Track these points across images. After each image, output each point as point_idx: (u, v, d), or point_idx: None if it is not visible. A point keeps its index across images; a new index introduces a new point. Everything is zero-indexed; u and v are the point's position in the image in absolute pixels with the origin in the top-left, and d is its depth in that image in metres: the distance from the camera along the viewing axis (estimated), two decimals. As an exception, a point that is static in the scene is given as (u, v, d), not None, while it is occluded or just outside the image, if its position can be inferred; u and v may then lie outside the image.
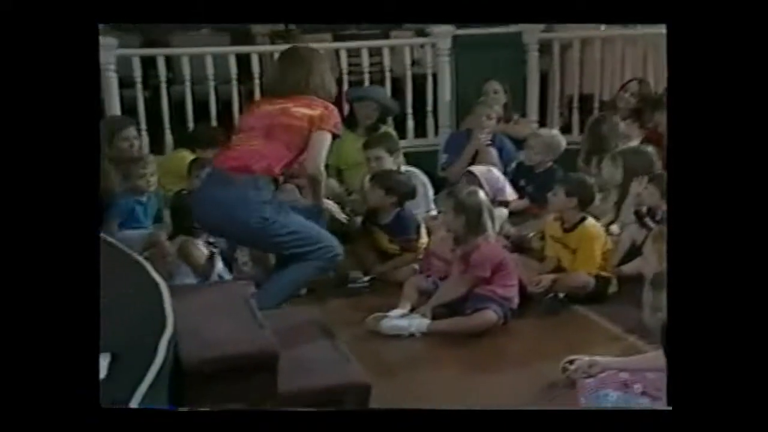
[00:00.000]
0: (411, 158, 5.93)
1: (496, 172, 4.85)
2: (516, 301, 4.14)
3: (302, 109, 4.02)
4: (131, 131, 5.01)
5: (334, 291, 4.56)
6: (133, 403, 2.33)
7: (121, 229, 4.66)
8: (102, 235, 3.85)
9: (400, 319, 3.99)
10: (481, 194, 4.09)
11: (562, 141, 5.46)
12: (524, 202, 5.21)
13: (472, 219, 4.01)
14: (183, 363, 2.90)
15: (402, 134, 6.22)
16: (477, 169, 4.83)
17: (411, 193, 4.81)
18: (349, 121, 5.85)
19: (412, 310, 4.12)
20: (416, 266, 4.60)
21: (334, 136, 4.09)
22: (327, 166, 5.71)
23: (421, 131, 6.35)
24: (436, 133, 6.34)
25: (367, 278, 4.65)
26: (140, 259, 3.64)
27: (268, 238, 3.98)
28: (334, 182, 5.56)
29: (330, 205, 4.38)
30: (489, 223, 4.05)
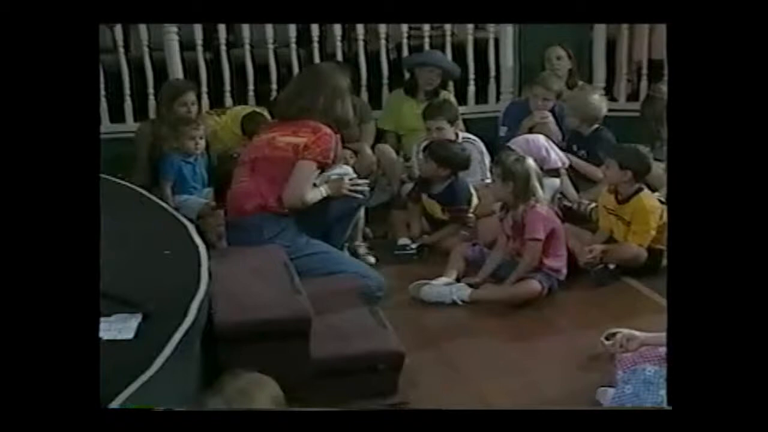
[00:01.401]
0: (471, 125, 5.90)
1: (540, 140, 4.75)
2: (564, 272, 4.11)
3: (288, 138, 3.93)
4: (190, 96, 5.05)
5: (382, 257, 4.58)
6: (158, 363, 2.41)
7: (175, 194, 4.76)
8: (149, 195, 3.99)
9: (442, 287, 3.99)
10: (529, 161, 4.04)
11: (598, 102, 5.23)
12: (595, 170, 5.00)
13: (520, 185, 3.99)
14: (216, 325, 2.97)
15: (463, 100, 6.16)
16: (515, 141, 4.77)
17: (465, 164, 4.78)
18: (410, 87, 5.87)
19: (459, 279, 4.13)
20: (466, 234, 4.58)
21: (321, 165, 3.95)
22: (385, 132, 5.85)
23: (482, 97, 6.27)
24: (498, 99, 6.25)
25: (415, 245, 4.66)
26: (185, 221, 3.72)
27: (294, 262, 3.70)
28: (390, 149, 5.57)
29: (339, 183, 4.11)
30: (539, 189, 4.01)
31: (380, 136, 5.89)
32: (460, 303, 3.97)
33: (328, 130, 3.93)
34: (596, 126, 5.19)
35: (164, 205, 3.99)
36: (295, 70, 5.90)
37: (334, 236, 4.09)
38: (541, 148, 4.66)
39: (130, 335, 2.55)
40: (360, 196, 4.14)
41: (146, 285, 2.90)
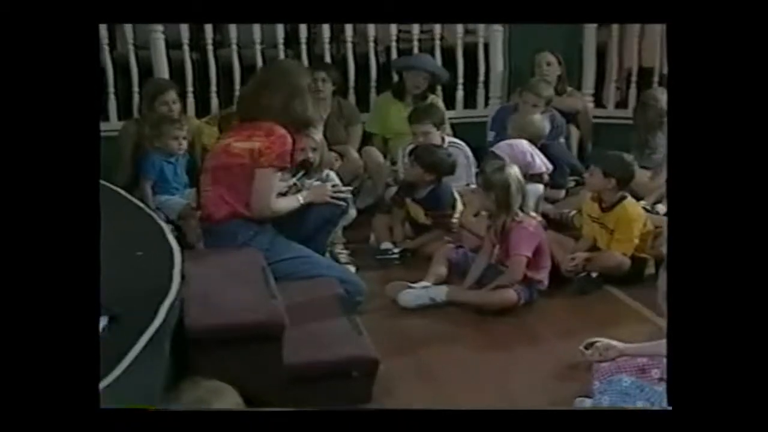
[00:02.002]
0: (460, 129, 5.88)
1: (524, 145, 4.71)
2: (546, 282, 4.08)
3: (242, 143, 3.82)
4: (171, 95, 5.03)
5: (364, 262, 4.55)
6: (122, 366, 2.38)
7: (156, 194, 4.73)
8: (125, 195, 3.95)
9: (419, 290, 3.96)
10: (509, 170, 4.00)
11: (539, 122, 5.24)
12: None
13: (500, 196, 3.95)
14: (187, 328, 2.94)
15: (451, 105, 6.15)
16: (499, 147, 4.73)
17: (451, 170, 4.75)
18: (397, 90, 5.84)
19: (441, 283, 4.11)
20: (449, 240, 4.55)
21: (280, 169, 3.85)
22: (372, 135, 5.81)
23: (471, 102, 6.26)
24: (486, 104, 6.24)
25: (398, 250, 4.63)
26: (160, 221, 3.69)
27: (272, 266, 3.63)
28: (376, 152, 5.54)
29: (322, 190, 4.14)
30: (518, 201, 3.97)
31: (367, 140, 5.88)
32: (438, 301, 3.94)
33: (282, 132, 3.83)
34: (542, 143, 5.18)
35: (141, 205, 3.96)
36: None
37: (316, 241, 4.05)
38: (525, 153, 4.62)
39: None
40: (342, 203, 4.11)
41: (115, 286, 2.84)
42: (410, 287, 4.01)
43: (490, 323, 3.87)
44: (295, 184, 4.18)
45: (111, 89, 5.64)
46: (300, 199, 3.97)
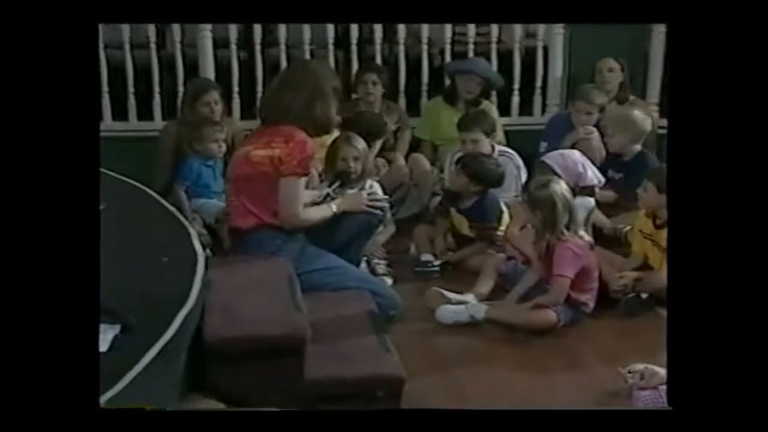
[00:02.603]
0: (514, 137, 5.82)
1: (576, 156, 4.60)
2: (591, 305, 3.99)
3: (262, 151, 3.78)
4: (213, 95, 5.04)
5: (402, 274, 4.52)
6: (126, 380, 2.38)
7: (194, 198, 4.77)
8: (157, 197, 3.98)
9: (457, 307, 3.91)
10: (554, 186, 3.91)
11: (642, 121, 5.03)
12: (611, 194, 4.95)
13: (545, 214, 3.87)
14: (204, 340, 2.93)
15: (506, 111, 6.09)
16: (550, 156, 4.62)
17: (498, 181, 4.68)
18: (449, 95, 5.79)
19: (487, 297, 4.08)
20: (493, 253, 4.49)
21: (303, 175, 3.80)
22: (421, 141, 5.77)
23: (527, 109, 6.17)
24: (544, 111, 6.15)
25: (438, 262, 4.57)
26: (188, 225, 3.69)
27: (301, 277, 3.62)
28: (423, 159, 5.50)
29: (357, 198, 4.10)
30: (564, 219, 3.88)
31: (417, 146, 5.84)
32: (478, 318, 3.88)
33: (302, 137, 3.77)
34: (640, 150, 5.02)
35: (171, 209, 3.97)
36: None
37: (350, 251, 4.03)
38: (577, 163, 4.51)
39: (103, 348, 2.51)
40: (378, 212, 4.07)
41: (133, 294, 2.87)
42: (447, 297, 3.97)
43: (529, 343, 3.79)
44: (329, 194, 4.16)
45: (156, 89, 5.70)
46: (333, 207, 3.94)
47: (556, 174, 4.36)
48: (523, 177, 5.06)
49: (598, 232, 4.76)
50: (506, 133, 5.87)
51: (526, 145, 5.55)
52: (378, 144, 5.25)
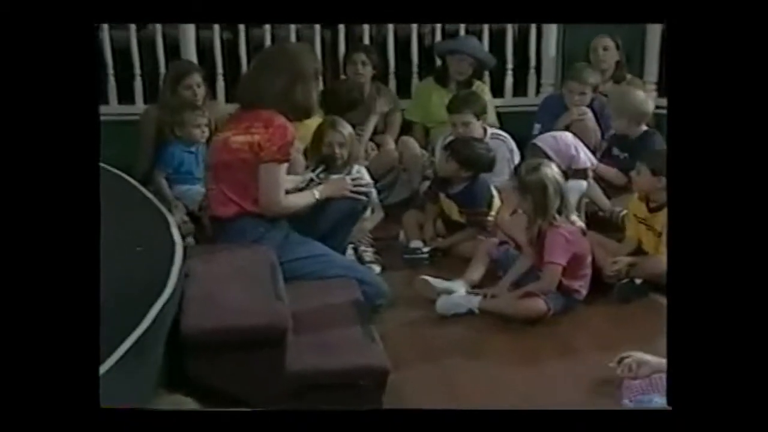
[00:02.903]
0: (508, 119, 5.81)
1: (568, 138, 4.57)
2: (584, 292, 3.99)
3: (241, 137, 3.75)
4: (195, 78, 5.02)
5: (391, 261, 4.52)
6: (103, 369, 2.37)
7: (176, 184, 4.76)
8: (135, 184, 3.96)
9: (458, 297, 3.93)
10: (545, 169, 3.89)
11: (642, 99, 4.99)
12: (617, 174, 4.90)
13: (536, 199, 3.85)
14: (181, 332, 2.92)
15: (500, 92, 6.08)
16: (541, 139, 4.60)
17: (488, 166, 4.66)
18: (440, 75, 5.77)
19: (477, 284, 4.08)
20: (483, 239, 4.48)
21: (283, 161, 3.76)
22: (413, 124, 5.75)
23: (521, 89, 6.16)
24: (538, 92, 6.14)
25: (427, 249, 4.57)
26: (166, 213, 3.68)
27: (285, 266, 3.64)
28: (413, 142, 5.48)
29: (340, 183, 4.08)
30: (556, 203, 3.87)
31: (408, 128, 5.83)
32: (475, 312, 3.90)
33: (282, 122, 3.74)
34: (646, 128, 4.98)
35: (149, 196, 3.95)
36: (318, 49, 5.85)
37: (335, 238, 4.01)
38: (569, 146, 4.50)
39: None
40: (363, 197, 4.05)
41: (106, 285, 2.84)
42: (433, 285, 3.97)
43: (520, 332, 3.79)
44: (312, 179, 4.14)
45: (137, 71, 5.66)
46: (316, 194, 3.91)
47: (547, 157, 4.36)
48: (516, 160, 5.03)
49: (594, 215, 4.77)
50: (499, 114, 5.87)
51: (521, 127, 5.52)
52: (370, 125, 5.24)
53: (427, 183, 5.08)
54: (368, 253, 4.45)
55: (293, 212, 3.86)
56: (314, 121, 4.44)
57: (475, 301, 3.90)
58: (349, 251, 4.37)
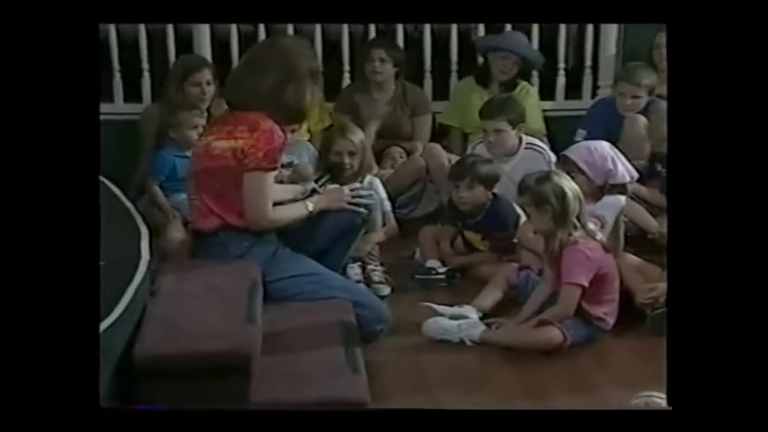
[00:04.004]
0: (559, 125, 5.79)
1: (605, 149, 4.47)
2: (611, 321, 3.94)
3: (224, 142, 3.77)
4: (205, 74, 5.10)
5: (405, 282, 4.54)
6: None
7: (173, 192, 4.82)
8: (114, 190, 4.04)
9: (449, 322, 3.91)
10: (556, 177, 3.88)
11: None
12: (652, 193, 4.87)
13: (556, 207, 3.81)
14: (133, 356, 2.97)
15: (550, 95, 6.06)
16: (574, 150, 4.53)
17: (496, 177, 4.66)
18: (482, 75, 5.77)
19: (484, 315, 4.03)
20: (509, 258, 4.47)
21: (270, 170, 3.77)
22: (450, 129, 5.75)
23: (574, 92, 6.10)
24: (594, 94, 6.06)
25: (443, 270, 4.57)
26: (140, 224, 3.75)
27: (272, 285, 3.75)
28: (439, 150, 5.45)
29: (337, 194, 4.10)
30: (576, 210, 3.83)
31: (444, 133, 5.83)
32: (468, 343, 3.85)
33: (269, 125, 3.75)
34: None
35: (127, 205, 4.03)
36: (346, 47, 5.90)
37: (331, 256, 4.04)
38: (606, 158, 4.41)
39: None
40: (363, 210, 4.06)
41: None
42: (438, 312, 3.95)
43: (531, 364, 3.75)
44: (314, 191, 4.17)
45: (145, 66, 5.76)
46: (309, 205, 3.94)
47: (580, 170, 4.30)
48: (559, 175, 4.99)
49: (638, 237, 4.70)
50: (548, 120, 5.86)
51: (573, 133, 5.47)
52: (372, 130, 5.26)
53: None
54: (377, 273, 4.46)
55: (282, 226, 3.89)
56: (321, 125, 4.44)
57: (474, 331, 3.86)
58: (356, 270, 4.41)
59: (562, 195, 3.82)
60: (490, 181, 4.58)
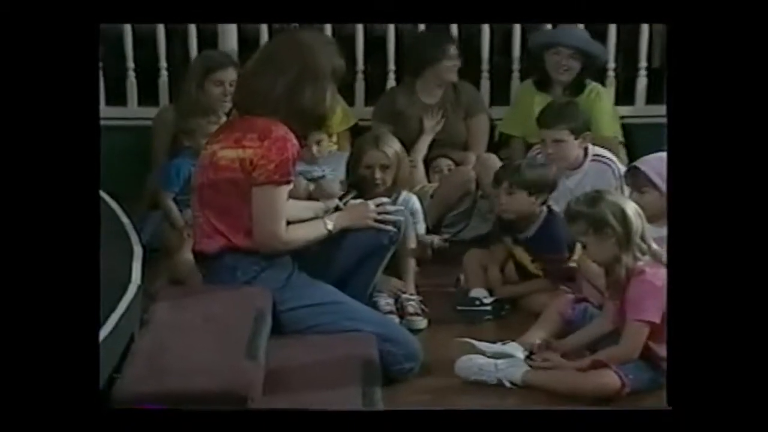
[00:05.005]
0: (639, 133, 5.71)
1: None
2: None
3: (230, 151, 3.71)
4: (230, 73, 5.08)
5: (446, 314, 4.47)
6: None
7: (183, 206, 4.78)
8: (113, 207, 4.06)
9: (486, 361, 3.79)
10: (610, 197, 3.78)
11: None
12: None
13: (617, 229, 3.69)
14: (111, 395, 2.96)
15: (628, 98, 5.99)
16: (646, 161, 4.39)
17: (554, 185, 4.58)
18: (542, 78, 5.69)
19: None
20: (566, 290, 4.37)
21: (282, 184, 3.70)
22: (510, 139, 5.70)
23: (657, 95, 5.97)
24: (680, 98, 5.95)
25: (490, 300, 4.48)
26: (135, 245, 3.74)
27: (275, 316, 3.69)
28: (495, 161, 5.35)
29: (362, 210, 4.03)
30: (639, 229, 3.71)
31: (505, 144, 5.77)
32: (508, 385, 3.77)
33: (282, 133, 3.68)
34: None
35: (124, 220, 4.03)
36: (392, 49, 5.89)
37: (356, 282, 3.98)
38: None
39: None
40: (391, 228, 3.97)
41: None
42: (478, 349, 3.84)
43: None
44: (337, 208, 4.10)
45: (163, 63, 5.80)
46: (328, 224, 3.86)
47: (652, 184, 4.21)
48: (627, 190, 4.86)
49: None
50: (627, 127, 5.78)
51: (656, 142, 5.36)
52: (425, 144, 5.21)
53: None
54: (412, 303, 4.37)
55: (298, 247, 3.83)
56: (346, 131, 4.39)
57: (514, 372, 3.77)
58: (389, 300, 4.35)
59: (622, 214, 3.72)
60: (536, 187, 4.47)
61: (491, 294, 4.52)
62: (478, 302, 4.47)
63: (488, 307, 4.49)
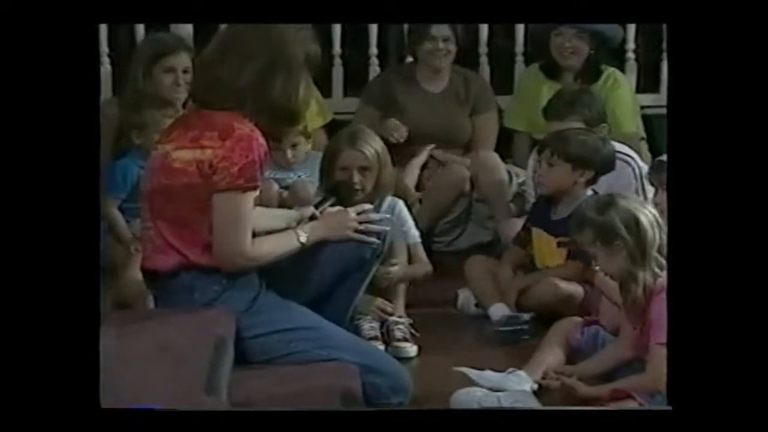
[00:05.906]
0: (662, 125, 5.67)
1: None
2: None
3: (186, 152, 3.64)
4: (182, 59, 5.03)
5: (437, 339, 4.47)
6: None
7: (130, 216, 4.78)
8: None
9: (484, 394, 3.75)
10: (623, 202, 3.78)
11: None
12: None
13: (630, 241, 3.69)
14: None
15: (652, 85, 6.07)
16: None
17: (612, 163, 4.63)
18: (549, 64, 5.70)
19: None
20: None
21: (248, 189, 3.63)
22: (514, 135, 5.71)
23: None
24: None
25: (527, 316, 4.45)
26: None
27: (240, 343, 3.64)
28: (495, 160, 5.42)
29: (340, 219, 3.97)
30: (656, 241, 3.71)
31: (509, 139, 5.78)
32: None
33: (247, 130, 3.62)
34: None
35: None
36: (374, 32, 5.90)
37: (334, 303, 3.92)
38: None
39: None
40: (374, 240, 3.90)
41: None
42: (473, 380, 3.81)
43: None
44: (313, 217, 4.03)
45: (104, 49, 5.77)
46: (301, 236, 3.78)
47: None
48: (650, 190, 4.85)
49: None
50: (647, 118, 5.84)
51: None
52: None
53: (513, 222, 5.00)
54: (401, 327, 4.34)
55: (266, 264, 3.77)
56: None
57: (521, 401, 3.74)
58: (373, 323, 4.35)
59: (635, 225, 3.70)
60: (581, 161, 4.52)
61: (520, 310, 4.54)
62: (513, 321, 4.47)
63: (526, 325, 4.47)
